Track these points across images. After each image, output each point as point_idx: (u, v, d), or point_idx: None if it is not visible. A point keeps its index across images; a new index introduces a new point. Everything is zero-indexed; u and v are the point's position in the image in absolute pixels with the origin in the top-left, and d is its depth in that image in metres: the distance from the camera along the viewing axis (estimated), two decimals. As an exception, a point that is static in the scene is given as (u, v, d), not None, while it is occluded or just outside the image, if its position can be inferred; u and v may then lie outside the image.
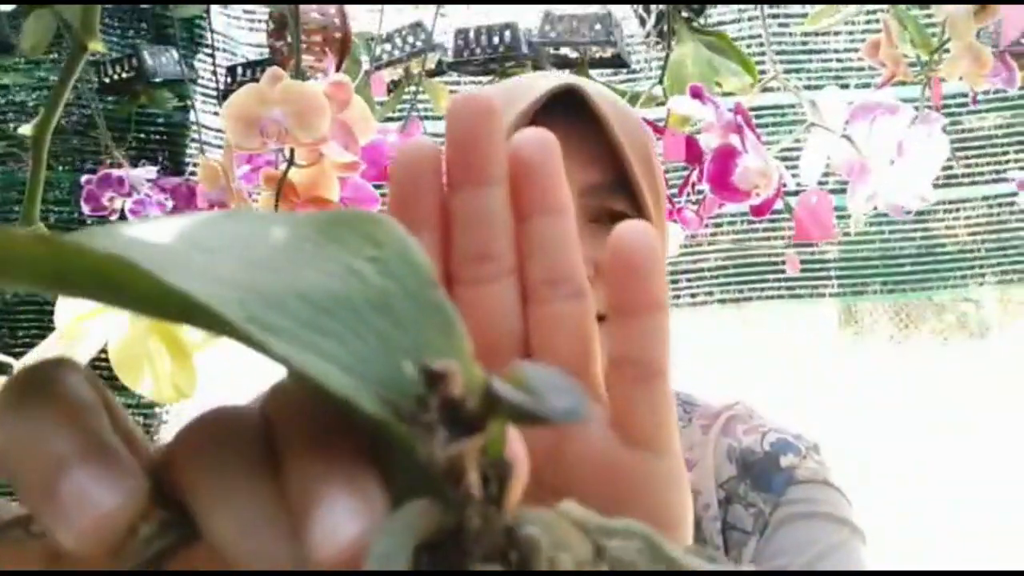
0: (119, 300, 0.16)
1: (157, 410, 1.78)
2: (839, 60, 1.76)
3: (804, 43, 1.73)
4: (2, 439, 0.16)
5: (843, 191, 0.81)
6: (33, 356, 0.95)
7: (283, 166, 0.71)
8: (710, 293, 1.84)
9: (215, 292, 0.15)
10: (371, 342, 0.16)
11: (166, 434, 1.85)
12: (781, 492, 0.61)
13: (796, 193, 0.82)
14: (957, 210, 1.80)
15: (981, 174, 1.79)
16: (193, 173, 1.70)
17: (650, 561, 0.16)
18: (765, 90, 1.04)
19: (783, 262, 1.57)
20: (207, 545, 0.16)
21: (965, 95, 1.51)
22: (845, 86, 1.72)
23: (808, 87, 1.71)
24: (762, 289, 1.86)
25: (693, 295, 1.80)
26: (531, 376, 0.15)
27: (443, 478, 0.15)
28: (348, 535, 0.14)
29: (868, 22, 1.68)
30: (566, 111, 0.57)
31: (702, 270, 1.81)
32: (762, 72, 1.16)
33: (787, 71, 1.71)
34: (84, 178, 1.09)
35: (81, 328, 0.79)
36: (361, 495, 0.15)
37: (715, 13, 1.62)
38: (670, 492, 0.24)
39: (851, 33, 1.73)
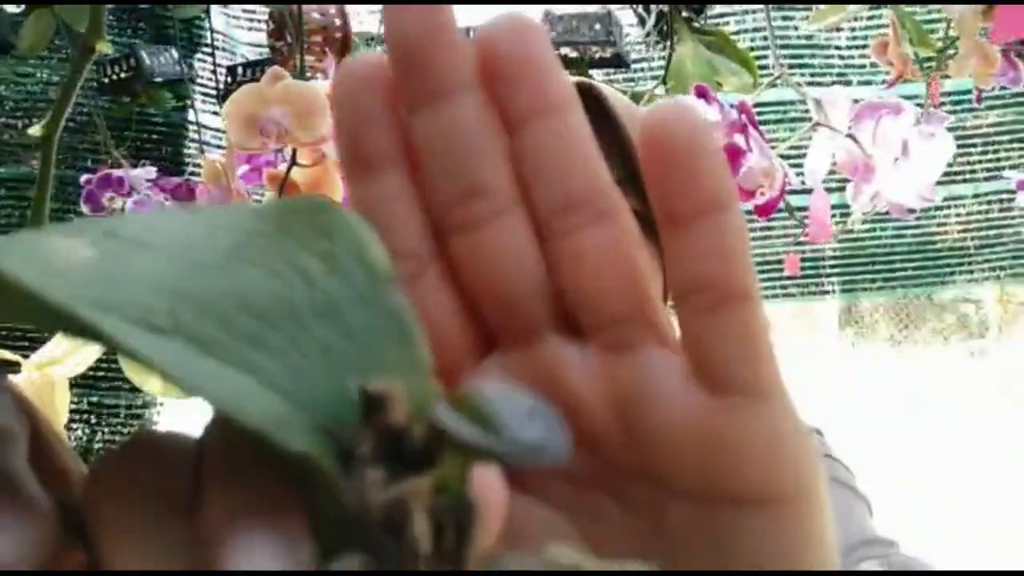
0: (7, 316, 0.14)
1: (147, 414, 1.78)
2: (842, 57, 1.75)
3: (809, 37, 1.73)
4: None
5: (841, 189, 0.80)
6: (41, 354, 0.95)
7: (283, 166, 0.71)
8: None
9: (135, 299, 0.13)
10: (313, 356, 0.14)
11: None
12: None
13: (794, 192, 0.82)
14: (950, 207, 1.81)
15: (974, 172, 1.79)
16: (193, 173, 1.69)
17: None
18: (770, 86, 1.04)
19: (780, 262, 1.57)
20: None
21: (962, 92, 1.51)
22: (848, 83, 1.72)
23: (811, 83, 1.71)
24: (762, 289, 1.86)
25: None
26: (491, 400, 0.13)
27: (379, 527, 0.12)
28: None
29: (871, 18, 1.68)
30: None
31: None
32: (765, 68, 1.16)
33: (791, 65, 1.71)
34: (84, 178, 1.09)
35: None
36: (282, 536, 0.13)
37: (718, 6, 1.62)
38: (783, 446, 0.18)
39: (854, 30, 1.72)
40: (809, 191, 0.84)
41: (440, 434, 0.13)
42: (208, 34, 1.72)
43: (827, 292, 1.86)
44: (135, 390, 1.69)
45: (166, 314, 0.14)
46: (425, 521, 0.12)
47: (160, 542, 0.14)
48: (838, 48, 1.76)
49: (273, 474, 0.14)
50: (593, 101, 0.57)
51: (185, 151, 1.81)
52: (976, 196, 1.79)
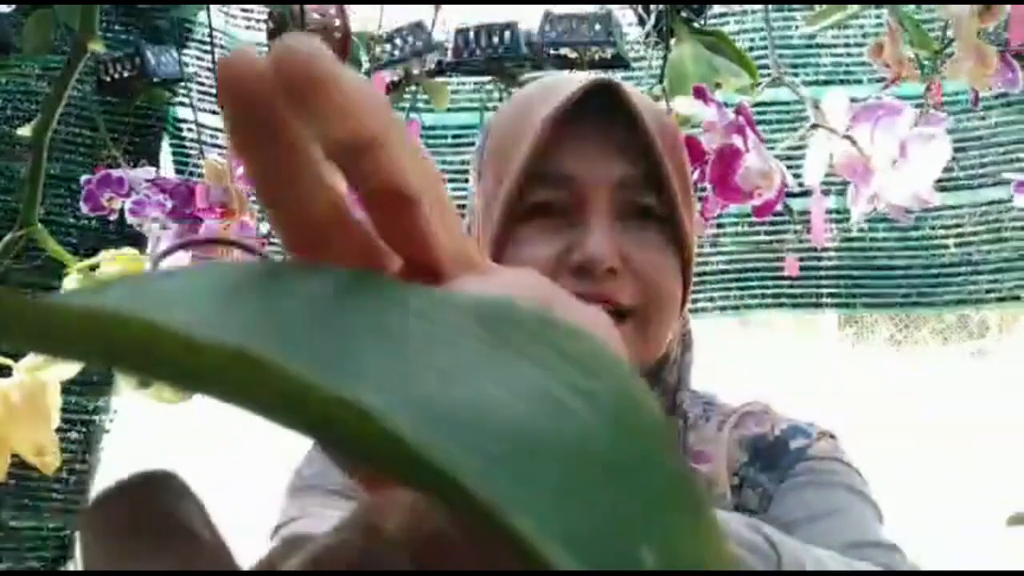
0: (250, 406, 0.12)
1: (98, 419, 1.77)
2: (849, 55, 1.75)
3: (812, 36, 1.73)
4: None
5: (840, 193, 0.80)
6: (33, 358, 0.95)
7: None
8: (711, 299, 1.84)
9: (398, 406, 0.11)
10: (600, 511, 0.12)
11: (108, 443, 1.82)
12: (789, 468, 0.60)
13: (794, 195, 0.82)
14: (952, 215, 1.81)
15: (976, 176, 1.79)
16: (192, 173, 1.70)
17: None
18: (769, 87, 1.04)
19: (780, 267, 1.57)
20: None
21: (958, 93, 1.51)
22: (858, 81, 1.71)
23: (815, 82, 1.70)
24: (761, 296, 1.85)
25: (696, 299, 1.80)
26: None
27: None
28: None
29: (878, 16, 1.67)
30: (601, 109, 0.58)
31: (703, 274, 1.81)
32: (765, 68, 1.16)
33: (794, 64, 1.71)
34: (84, 178, 1.09)
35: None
36: None
37: (718, 6, 1.62)
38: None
39: (861, 27, 1.72)
40: (807, 193, 0.84)
41: None
42: (201, 31, 1.72)
43: (823, 305, 1.85)
44: (87, 393, 1.69)
45: (425, 421, 0.12)
46: None
47: None
48: (845, 46, 1.76)
49: None
50: (611, 98, 0.57)
51: (185, 150, 1.81)
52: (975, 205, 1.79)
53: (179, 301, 0.13)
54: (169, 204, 1.18)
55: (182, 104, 1.75)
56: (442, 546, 0.15)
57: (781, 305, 1.86)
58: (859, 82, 1.69)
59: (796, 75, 1.68)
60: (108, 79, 1.66)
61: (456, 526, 0.15)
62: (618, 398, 0.13)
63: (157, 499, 0.15)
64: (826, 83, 1.71)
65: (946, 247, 1.80)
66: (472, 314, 0.14)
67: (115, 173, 1.06)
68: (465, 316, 0.14)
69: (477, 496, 0.11)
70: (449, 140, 1.88)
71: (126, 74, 1.64)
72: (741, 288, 1.84)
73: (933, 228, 1.81)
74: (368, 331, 0.13)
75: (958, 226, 1.79)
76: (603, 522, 0.12)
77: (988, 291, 1.79)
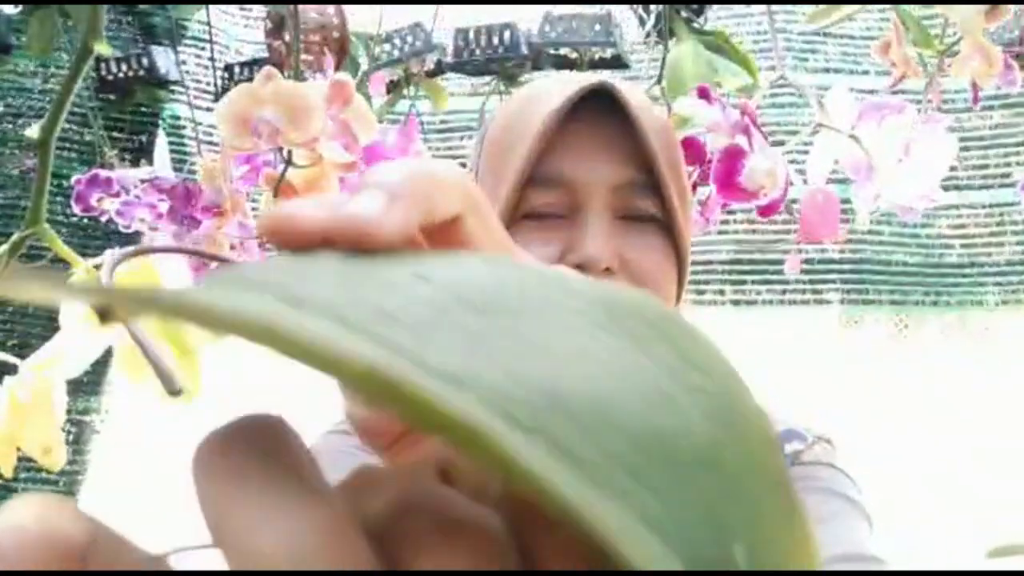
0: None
1: (88, 419, 1.76)
2: (856, 47, 1.75)
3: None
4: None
5: (845, 192, 0.79)
6: (39, 357, 0.94)
7: (281, 167, 0.70)
8: (721, 292, 1.84)
9: (490, 378, 0.12)
10: (695, 507, 0.12)
11: (97, 445, 1.81)
12: None
13: (795, 201, 0.81)
14: (959, 211, 1.80)
15: (981, 176, 1.78)
16: (191, 172, 1.69)
17: None
18: (772, 88, 1.04)
19: (783, 261, 1.56)
20: None
21: (958, 91, 1.50)
22: (865, 72, 1.70)
23: (826, 70, 1.70)
24: (761, 292, 1.85)
25: (700, 292, 1.80)
26: None
27: None
28: None
29: (883, 9, 1.67)
30: (598, 111, 0.57)
31: (708, 267, 1.81)
32: (769, 61, 1.15)
33: (803, 51, 1.70)
34: (74, 178, 1.08)
35: (86, 328, 0.78)
36: None
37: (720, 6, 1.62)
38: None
39: (866, 21, 1.72)
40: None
41: None
42: (196, 29, 1.72)
43: (826, 301, 1.85)
44: (77, 393, 1.68)
45: (526, 407, 0.12)
46: None
47: None
48: (852, 38, 1.75)
49: None
50: (608, 100, 0.57)
51: (184, 150, 1.80)
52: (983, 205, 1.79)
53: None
54: (165, 205, 1.17)
55: (177, 102, 1.75)
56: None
57: (783, 301, 1.86)
58: (866, 73, 1.68)
59: (805, 61, 1.67)
60: (109, 78, 1.66)
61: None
62: (725, 396, 0.14)
63: (268, 437, 0.14)
64: (836, 71, 1.70)
65: (952, 246, 1.80)
66: (593, 299, 0.14)
67: (103, 173, 1.04)
68: (583, 298, 0.14)
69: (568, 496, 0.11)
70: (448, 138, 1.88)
71: (129, 73, 1.64)
72: (743, 281, 1.84)
73: (937, 227, 1.80)
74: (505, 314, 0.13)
75: (963, 226, 1.79)
76: (701, 520, 0.12)
77: (991, 292, 1.79)
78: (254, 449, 0.14)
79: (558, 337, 0.13)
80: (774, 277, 1.80)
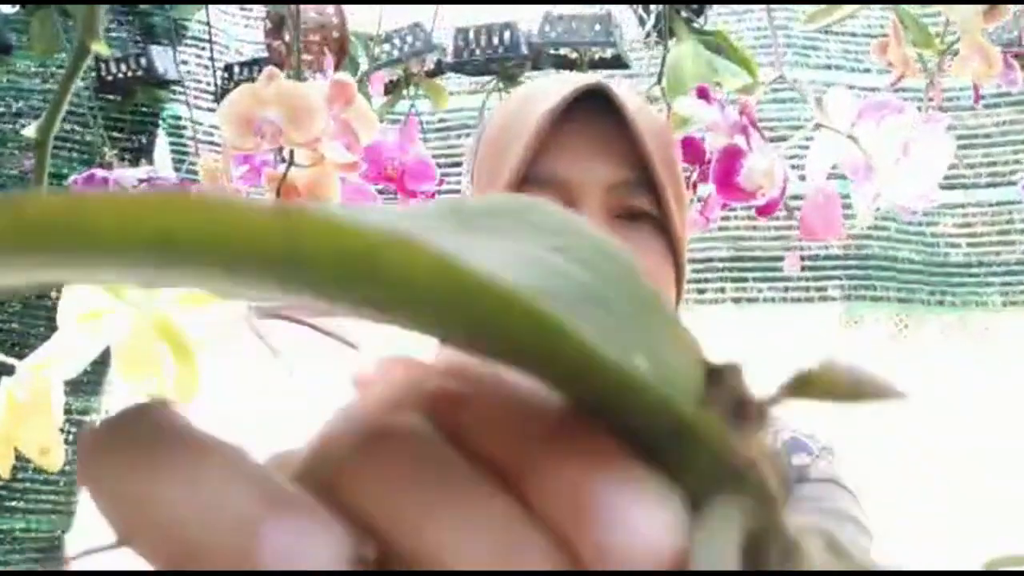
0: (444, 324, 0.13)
1: (88, 420, 1.76)
2: (858, 44, 1.74)
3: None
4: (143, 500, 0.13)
5: (845, 189, 0.80)
6: (37, 357, 0.94)
7: (282, 167, 0.70)
8: (722, 289, 1.84)
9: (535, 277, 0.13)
10: (602, 333, 0.13)
11: None
12: (789, 489, 0.60)
13: (797, 197, 0.81)
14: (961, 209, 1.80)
15: (980, 175, 1.78)
16: (191, 172, 1.69)
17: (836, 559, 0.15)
18: (771, 89, 1.04)
19: (784, 259, 1.56)
20: None
21: (964, 88, 1.50)
22: (867, 70, 1.70)
23: (828, 66, 1.69)
24: (763, 289, 1.85)
25: (700, 290, 1.80)
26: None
27: (750, 476, 0.13)
28: (657, 532, 0.12)
29: (884, 7, 1.67)
30: (594, 111, 0.58)
31: (708, 265, 1.81)
32: (769, 56, 1.15)
33: (804, 47, 1.70)
34: (71, 179, 1.08)
35: (84, 328, 0.78)
36: (651, 486, 0.13)
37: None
38: None
39: (867, 18, 1.71)
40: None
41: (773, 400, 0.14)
42: (195, 29, 1.72)
43: (827, 299, 1.85)
44: (77, 393, 1.68)
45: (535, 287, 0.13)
46: (772, 473, 0.14)
47: (496, 521, 0.13)
48: (853, 36, 1.75)
49: (586, 435, 0.13)
50: (604, 100, 0.57)
51: (184, 150, 1.80)
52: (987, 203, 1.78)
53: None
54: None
55: (177, 102, 1.75)
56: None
57: (785, 298, 1.86)
58: (867, 70, 1.68)
59: (806, 58, 1.67)
60: (109, 78, 1.66)
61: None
62: (586, 246, 0.15)
63: (159, 418, 0.14)
64: (838, 68, 1.70)
65: (958, 244, 1.80)
66: (467, 213, 0.16)
67: (100, 173, 1.04)
68: (461, 214, 0.15)
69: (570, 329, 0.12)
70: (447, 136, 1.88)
71: (129, 73, 1.64)
72: (744, 278, 1.84)
73: (942, 225, 1.80)
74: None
75: (969, 224, 1.79)
76: (607, 343, 0.13)
77: (997, 291, 1.79)
78: (148, 424, 0.14)
79: (480, 236, 0.15)
80: (776, 274, 1.80)
